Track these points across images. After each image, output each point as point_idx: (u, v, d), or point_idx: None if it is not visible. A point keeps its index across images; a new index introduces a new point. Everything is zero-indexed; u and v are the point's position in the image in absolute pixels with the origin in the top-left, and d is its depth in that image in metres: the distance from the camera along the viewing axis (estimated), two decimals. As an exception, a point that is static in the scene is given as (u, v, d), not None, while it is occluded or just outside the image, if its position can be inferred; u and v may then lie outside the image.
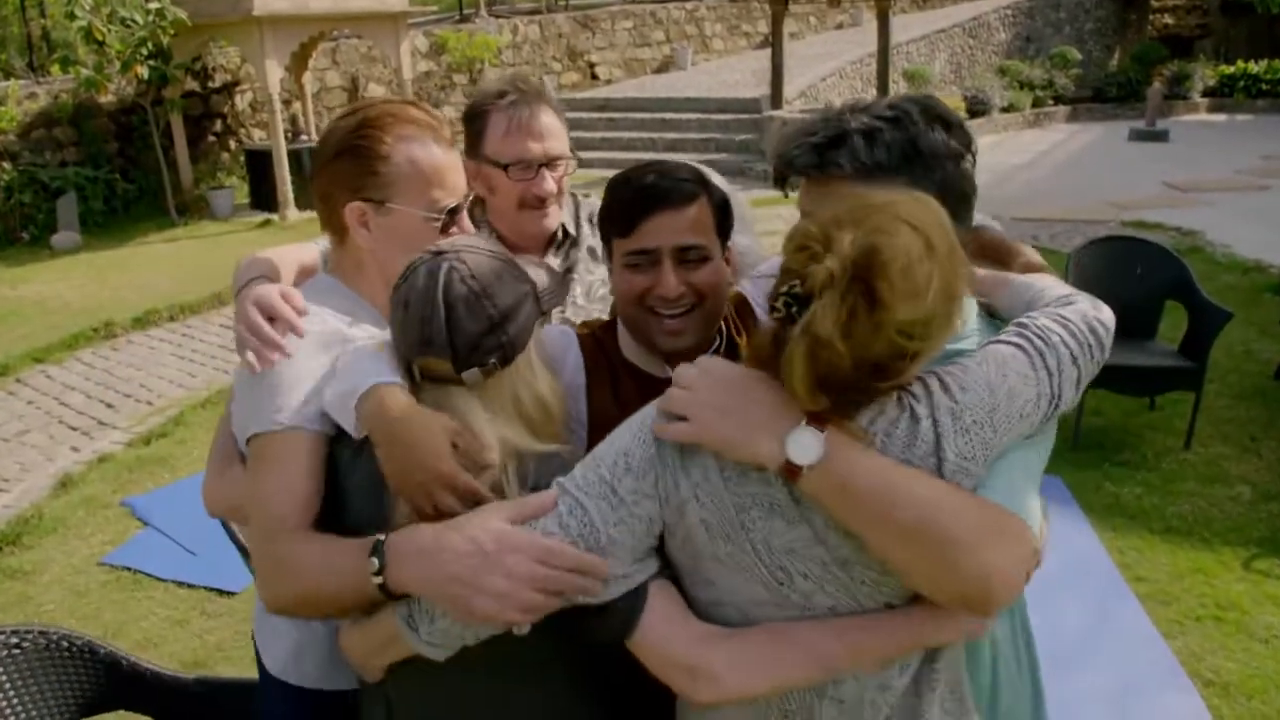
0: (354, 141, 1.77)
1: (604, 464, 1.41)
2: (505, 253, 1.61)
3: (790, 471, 1.28)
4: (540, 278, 1.66)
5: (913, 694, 1.45)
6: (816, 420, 1.27)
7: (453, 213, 1.81)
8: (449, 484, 1.44)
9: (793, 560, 1.36)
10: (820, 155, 1.51)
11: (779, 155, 1.59)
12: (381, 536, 1.44)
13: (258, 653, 1.97)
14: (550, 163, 2.24)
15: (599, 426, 1.61)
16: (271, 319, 1.68)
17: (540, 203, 2.25)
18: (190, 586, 4.47)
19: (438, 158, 1.80)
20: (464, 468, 1.46)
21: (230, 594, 4.37)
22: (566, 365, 1.77)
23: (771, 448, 1.28)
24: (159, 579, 4.57)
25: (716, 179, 1.89)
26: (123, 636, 4.11)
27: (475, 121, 2.28)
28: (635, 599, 1.40)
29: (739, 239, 1.94)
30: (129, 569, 4.67)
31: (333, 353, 1.65)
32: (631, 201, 1.70)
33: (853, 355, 1.20)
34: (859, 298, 1.19)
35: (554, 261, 2.33)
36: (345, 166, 1.78)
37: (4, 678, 2.25)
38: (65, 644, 2.36)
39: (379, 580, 1.42)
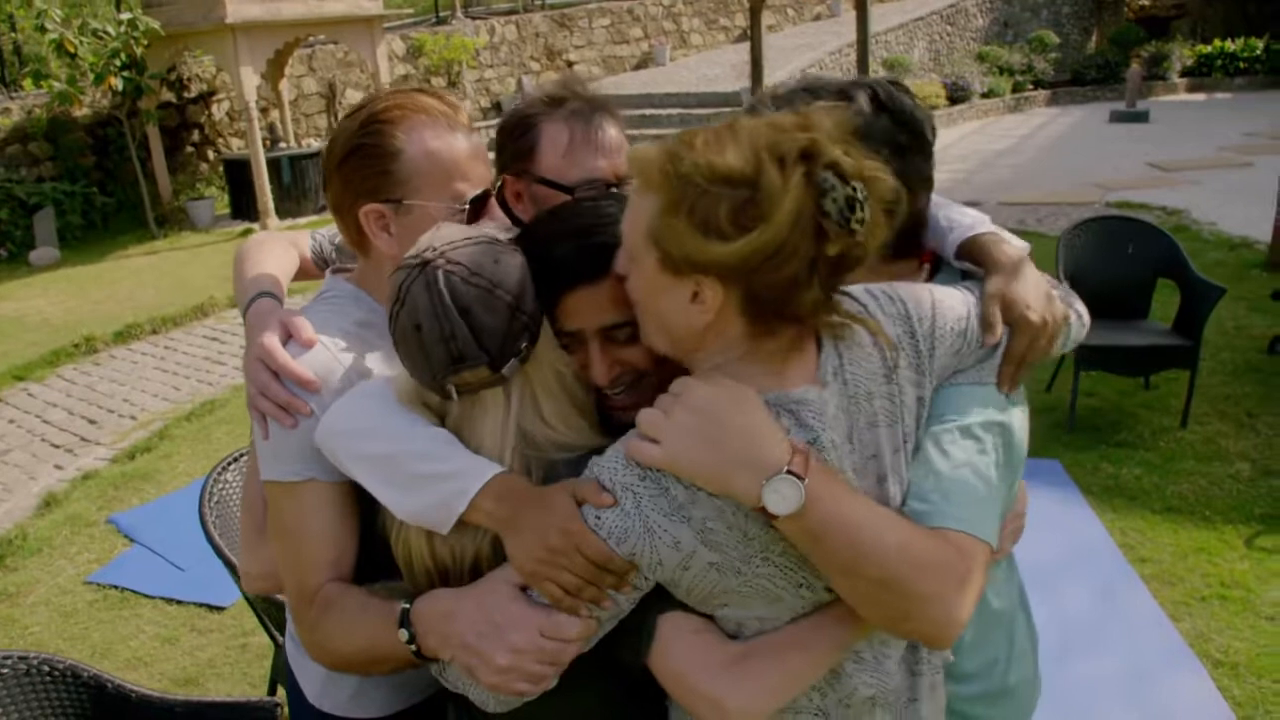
0: (360, 140, 1.61)
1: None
2: (481, 231, 1.45)
3: (764, 514, 1.24)
4: (504, 234, 1.49)
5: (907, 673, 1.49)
6: (796, 463, 1.23)
7: (479, 203, 1.66)
8: (580, 546, 1.31)
9: (804, 568, 1.33)
10: None
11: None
12: (406, 605, 1.43)
13: (293, 677, 1.90)
14: (620, 184, 1.80)
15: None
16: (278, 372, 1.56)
17: None
18: (179, 603, 4.39)
19: (456, 146, 1.64)
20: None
21: (220, 609, 4.29)
22: None
23: (749, 487, 1.23)
24: (147, 596, 4.48)
25: None
26: (112, 656, 4.03)
27: (523, 134, 1.84)
28: (640, 635, 1.38)
29: None
30: (116, 587, 4.58)
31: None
32: (547, 277, 1.44)
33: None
34: (850, 149, 1.23)
35: None
36: (355, 169, 1.62)
37: (-16, 706, 2.19)
38: (47, 669, 2.29)
39: (413, 648, 1.42)
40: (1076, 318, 1.61)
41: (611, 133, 1.86)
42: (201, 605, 4.34)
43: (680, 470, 1.27)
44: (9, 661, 2.24)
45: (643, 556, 1.30)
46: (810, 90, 1.51)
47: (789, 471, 1.21)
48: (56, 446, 6.35)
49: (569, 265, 1.45)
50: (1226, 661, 3.60)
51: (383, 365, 1.59)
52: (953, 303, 1.45)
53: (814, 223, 1.20)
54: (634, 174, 1.30)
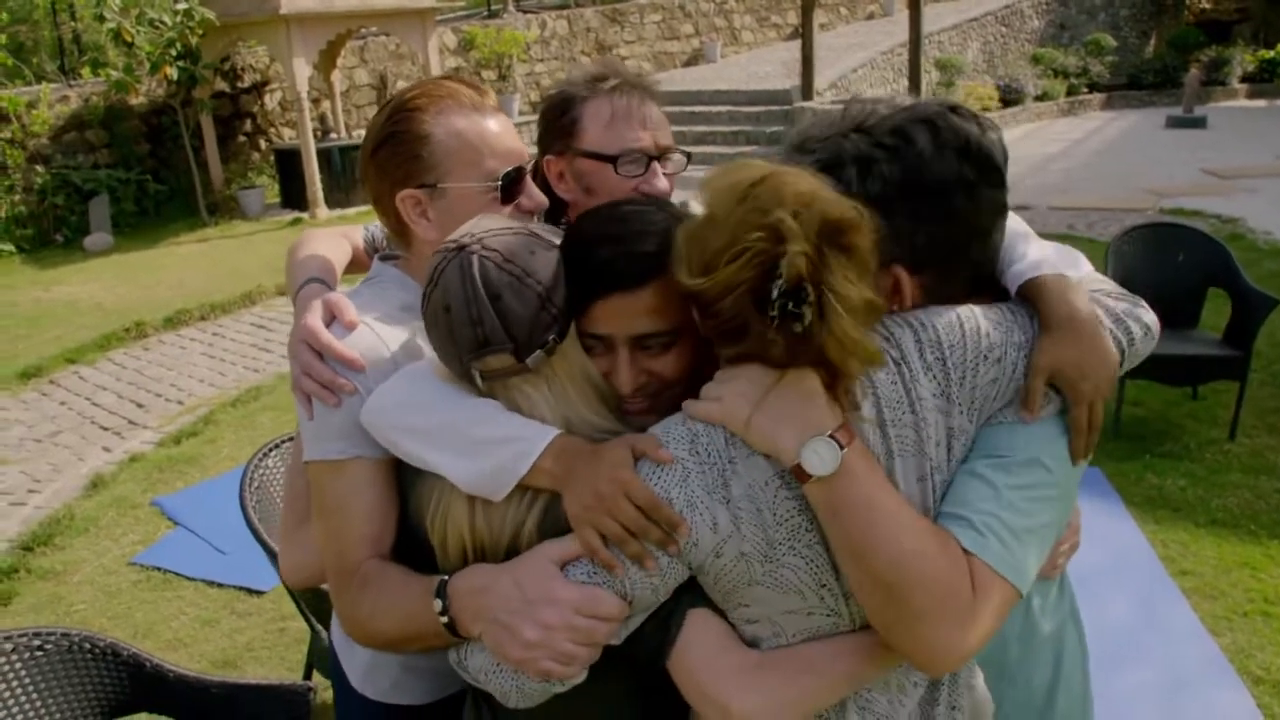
0: (390, 130, 1.64)
1: None
2: (521, 223, 1.48)
3: (798, 473, 1.26)
4: (547, 233, 1.50)
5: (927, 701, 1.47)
6: (842, 433, 1.26)
7: (513, 179, 1.66)
8: (629, 492, 1.32)
9: (828, 565, 1.33)
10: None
11: (784, 162, 1.46)
12: (445, 576, 1.44)
13: (338, 664, 1.94)
14: (662, 156, 1.87)
15: None
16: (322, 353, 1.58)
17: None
18: (220, 586, 4.46)
19: (485, 125, 1.65)
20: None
21: (259, 593, 4.36)
22: None
23: (789, 443, 1.25)
24: (189, 578, 4.56)
25: None
26: (153, 636, 4.11)
27: (564, 112, 1.88)
28: (667, 629, 1.39)
29: None
30: (159, 569, 4.67)
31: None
32: (586, 279, 1.44)
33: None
34: (841, 256, 1.21)
35: None
36: (387, 158, 1.65)
37: (27, 679, 2.24)
38: (88, 646, 2.34)
39: (445, 620, 1.42)
40: (1143, 331, 1.48)
41: (652, 108, 1.90)
42: (241, 589, 4.41)
43: (732, 422, 1.30)
44: (52, 638, 2.29)
45: (689, 528, 1.32)
46: (860, 129, 1.40)
47: (832, 436, 1.24)
48: (105, 429, 6.47)
49: (610, 270, 1.44)
50: (1268, 679, 3.53)
51: (425, 347, 1.59)
52: (988, 328, 1.38)
53: (752, 297, 1.22)
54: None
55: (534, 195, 1.71)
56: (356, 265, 2.03)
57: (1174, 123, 16.08)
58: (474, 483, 1.41)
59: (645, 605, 1.38)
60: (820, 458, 1.24)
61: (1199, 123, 15.85)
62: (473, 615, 1.39)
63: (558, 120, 1.89)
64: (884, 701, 1.43)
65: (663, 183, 1.87)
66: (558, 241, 1.48)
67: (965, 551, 1.29)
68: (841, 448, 1.24)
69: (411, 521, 1.56)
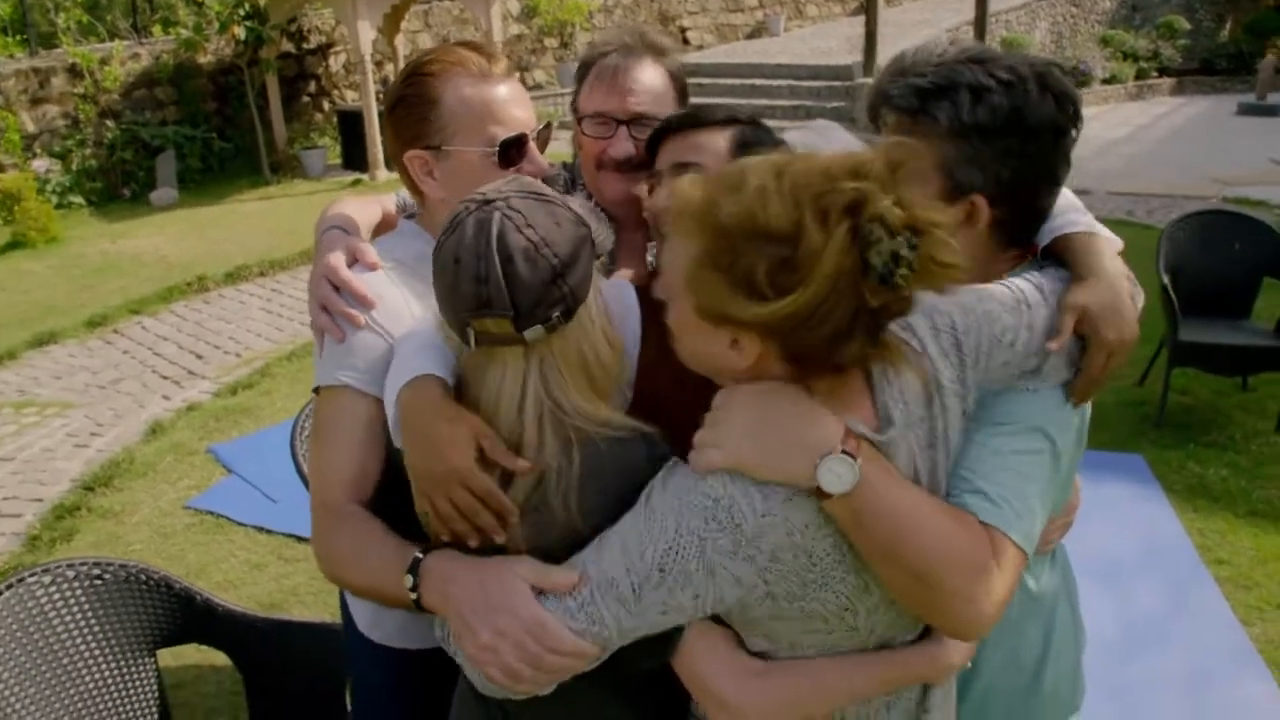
0: (403, 92, 1.73)
1: (633, 566, 1.31)
2: (555, 194, 1.47)
3: (818, 493, 1.26)
4: (588, 217, 1.50)
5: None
6: (850, 443, 1.25)
7: (514, 146, 1.72)
8: (464, 481, 1.39)
9: (857, 590, 1.35)
10: (922, 100, 1.47)
11: (878, 87, 1.54)
12: (420, 554, 1.45)
13: (346, 609, 2.00)
14: (632, 122, 1.95)
15: (643, 382, 1.59)
16: (339, 288, 1.68)
17: (615, 165, 1.95)
18: (269, 532, 4.61)
19: (490, 92, 1.72)
20: (486, 469, 1.41)
21: (307, 540, 4.46)
22: (627, 327, 1.62)
23: (804, 466, 1.24)
24: (240, 524, 4.72)
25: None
26: (204, 577, 4.26)
27: (581, 75, 2.08)
28: (670, 636, 1.39)
29: None
30: (212, 513, 4.83)
31: (402, 320, 1.65)
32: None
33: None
34: (900, 198, 1.19)
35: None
36: (400, 119, 1.74)
37: (86, 606, 2.36)
38: (143, 577, 2.46)
39: (414, 596, 1.44)
40: (1143, 303, 1.57)
41: (637, 74, 1.98)
42: (290, 535, 4.56)
43: (742, 464, 1.27)
44: (111, 569, 2.42)
45: (705, 596, 1.31)
46: (977, 61, 1.46)
47: (843, 451, 1.24)
48: (165, 378, 6.67)
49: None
50: (1297, 670, 3.54)
51: (431, 296, 1.66)
52: (1001, 311, 1.42)
53: (856, 279, 1.17)
54: (674, 214, 1.29)
55: (536, 161, 1.77)
56: (387, 226, 2.07)
57: (1245, 110, 15.67)
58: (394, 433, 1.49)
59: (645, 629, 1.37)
60: (838, 476, 1.23)
61: (1272, 111, 15.42)
62: (439, 600, 1.42)
63: (578, 82, 2.09)
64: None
65: (624, 147, 1.94)
66: (592, 222, 1.47)
67: (983, 524, 1.34)
68: (854, 459, 1.24)
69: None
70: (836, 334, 1.20)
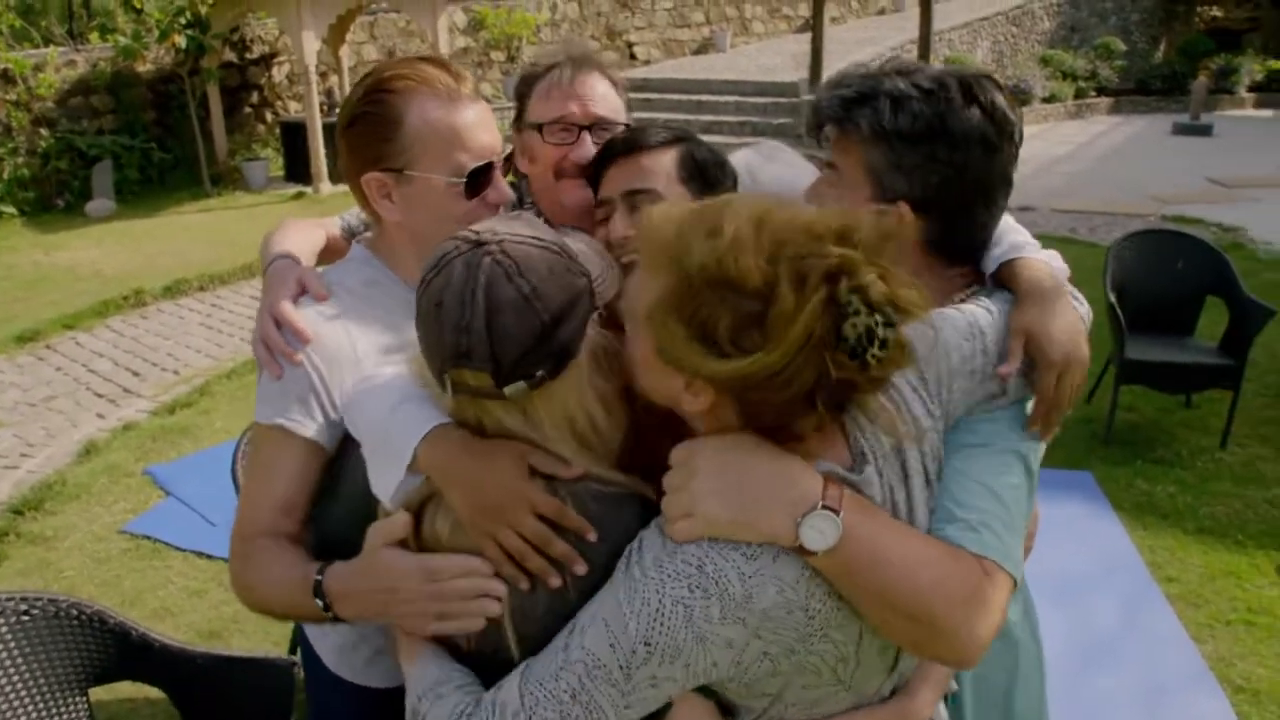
0: (364, 109, 1.64)
1: (618, 643, 1.22)
2: (555, 237, 1.35)
3: (801, 552, 1.21)
4: (592, 260, 1.38)
5: None
6: (830, 496, 1.20)
7: (480, 175, 1.66)
8: (528, 498, 1.31)
9: (854, 640, 1.31)
10: (846, 109, 1.50)
11: (814, 102, 1.58)
12: (319, 576, 1.49)
13: (309, 646, 1.94)
14: (594, 126, 1.98)
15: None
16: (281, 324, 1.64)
17: (579, 171, 1.94)
18: (209, 557, 4.47)
19: (458, 116, 1.64)
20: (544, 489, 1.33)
21: (248, 565, 4.36)
22: None
23: (785, 526, 1.19)
24: (179, 549, 4.57)
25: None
26: (140, 605, 4.12)
27: (521, 91, 2.11)
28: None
29: None
30: (149, 538, 4.68)
31: (341, 360, 1.61)
32: (597, 157, 1.81)
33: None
34: (885, 272, 1.15)
35: None
36: (359, 136, 1.65)
37: (12, 644, 2.25)
38: (75, 612, 2.35)
39: (330, 615, 1.49)
40: (1089, 316, 1.59)
41: (588, 82, 2.02)
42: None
43: (719, 531, 1.21)
44: (39, 603, 2.30)
45: (697, 665, 1.23)
46: (902, 72, 1.48)
47: (824, 506, 1.19)
48: (100, 396, 6.47)
49: (611, 144, 1.79)
50: (1248, 687, 3.55)
51: (380, 324, 1.65)
52: (959, 339, 1.41)
53: (823, 349, 1.12)
54: (642, 245, 1.23)
55: (501, 190, 1.71)
56: (332, 253, 2.02)
57: (1180, 129, 16.05)
58: (379, 488, 1.44)
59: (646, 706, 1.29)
60: (821, 533, 1.19)
61: (1205, 130, 15.81)
62: (353, 611, 1.48)
63: (518, 100, 2.12)
64: None
65: (589, 150, 1.95)
66: (597, 266, 1.37)
67: (973, 555, 1.32)
68: (836, 513, 1.19)
69: (343, 508, 1.59)
70: (793, 401, 1.16)
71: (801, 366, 1.12)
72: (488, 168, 1.67)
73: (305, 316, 1.63)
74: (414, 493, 1.40)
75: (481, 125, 1.67)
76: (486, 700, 1.29)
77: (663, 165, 1.73)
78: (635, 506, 1.35)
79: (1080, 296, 1.58)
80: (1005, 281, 1.54)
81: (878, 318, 1.12)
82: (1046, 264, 1.56)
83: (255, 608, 1.66)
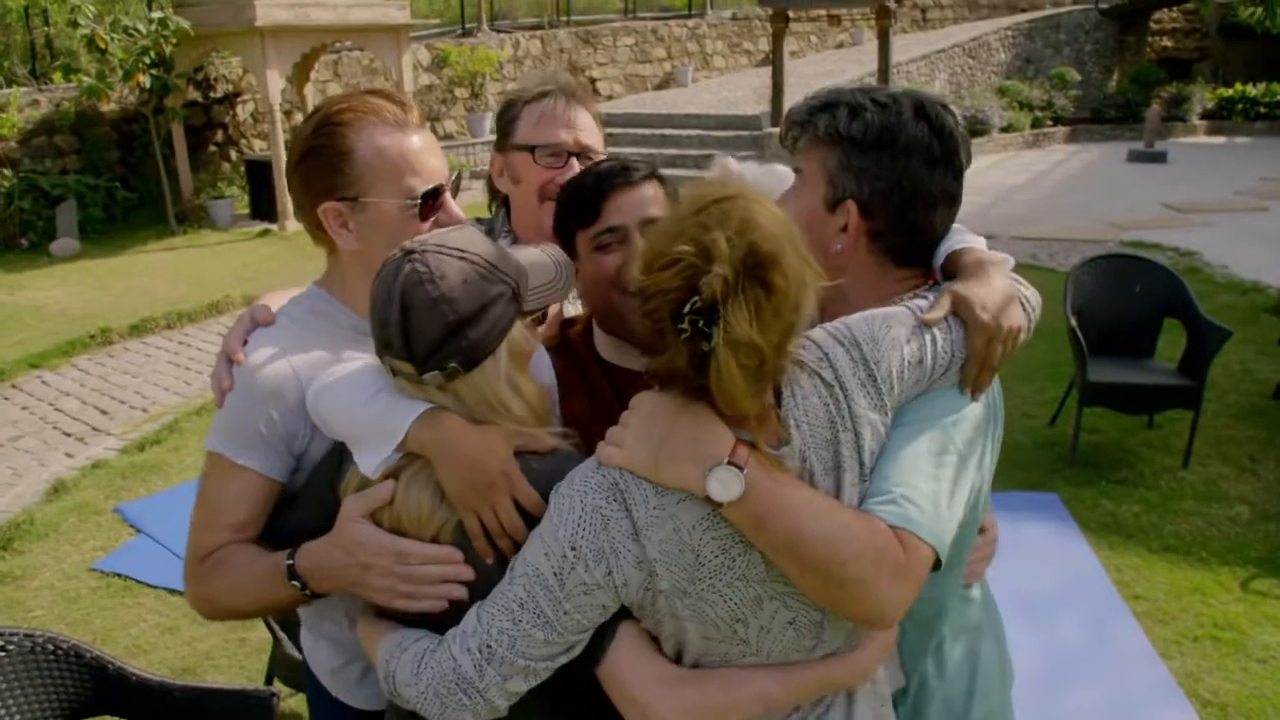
0: (315, 142, 1.69)
1: (551, 550, 1.40)
2: (482, 250, 1.51)
3: (711, 502, 1.34)
4: (544, 268, 1.59)
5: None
6: (738, 455, 1.33)
7: (432, 197, 1.71)
8: (507, 473, 1.47)
9: (748, 601, 1.40)
10: (810, 114, 1.66)
11: (787, 115, 1.73)
12: (289, 561, 1.58)
13: (310, 670, 1.96)
14: (581, 154, 2.14)
15: (575, 429, 1.63)
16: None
17: None
18: (181, 594, 4.42)
19: (407, 143, 1.70)
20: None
21: (221, 602, 4.33)
22: (541, 377, 1.70)
23: (694, 476, 1.34)
24: (150, 586, 4.54)
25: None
26: (112, 643, 4.08)
27: (508, 115, 2.22)
28: (604, 634, 1.45)
29: None
30: (120, 575, 4.64)
31: (285, 394, 1.66)
32: (591, 187, 1.80)
33: (769, 345, 1.28)
34: (759, 290, 1.28)
35: None
36: (311, 170, 1.70)
37: (-12, 680, 2.23)
38: (51, 647, 2.34)
39: (308, 594, 1.59)
40: (1038, 300, 1.68)
41: (578, 113, 2.18)
42: (203, 597, 4.37)
43: (636, 468, 1.37)
44: (15, 639, 2.30)
45: (617, 574, 1.38)
46: (864, 91, 1.65)
47: (730, 462, 1.32)
48: (68, 435, 6.42)
49: (609, 172, 1.81)
50: (1215, 702, 3.61)
51: (321, 348, 1.70)
52: (907, 334, 1.49)
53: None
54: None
55: (452, 212, 1.76)
56: None
57: (1135, 157, 16.36)
58: (367, 465, 1.51)
59: (583, 626, 1.43)
60: (724, 485, 1.32)
61: (1160, 157, 16.13)
62: (328, 584, 1.57)
63: (501, 123, 2.23)
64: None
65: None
66: (510, 280, 1.52)
67: (891, 527, 1.38)
68: (741, 469, 1.32)
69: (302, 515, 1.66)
70: (652, 333, 1.35)
71: (657, 307, 1.32)
72: (438, 190, 1.73)
73: (251, 355, 1.68)
74: (392, 466, 1.53)
75: (429, 150, 1.74)
76: (448, 635, 1.47)
77: (659, 194, 1.83)
78: (577, 458, 1.51)
79: (1025, 283, 1.68)
80: (949, 267, 1.65)
81: (713, 311, 1.27)
82: (990, 255, 1.65)
83: (223, 614, 1.75)
